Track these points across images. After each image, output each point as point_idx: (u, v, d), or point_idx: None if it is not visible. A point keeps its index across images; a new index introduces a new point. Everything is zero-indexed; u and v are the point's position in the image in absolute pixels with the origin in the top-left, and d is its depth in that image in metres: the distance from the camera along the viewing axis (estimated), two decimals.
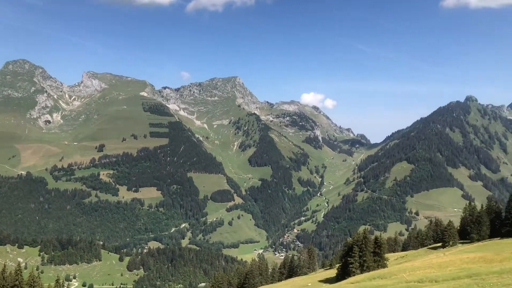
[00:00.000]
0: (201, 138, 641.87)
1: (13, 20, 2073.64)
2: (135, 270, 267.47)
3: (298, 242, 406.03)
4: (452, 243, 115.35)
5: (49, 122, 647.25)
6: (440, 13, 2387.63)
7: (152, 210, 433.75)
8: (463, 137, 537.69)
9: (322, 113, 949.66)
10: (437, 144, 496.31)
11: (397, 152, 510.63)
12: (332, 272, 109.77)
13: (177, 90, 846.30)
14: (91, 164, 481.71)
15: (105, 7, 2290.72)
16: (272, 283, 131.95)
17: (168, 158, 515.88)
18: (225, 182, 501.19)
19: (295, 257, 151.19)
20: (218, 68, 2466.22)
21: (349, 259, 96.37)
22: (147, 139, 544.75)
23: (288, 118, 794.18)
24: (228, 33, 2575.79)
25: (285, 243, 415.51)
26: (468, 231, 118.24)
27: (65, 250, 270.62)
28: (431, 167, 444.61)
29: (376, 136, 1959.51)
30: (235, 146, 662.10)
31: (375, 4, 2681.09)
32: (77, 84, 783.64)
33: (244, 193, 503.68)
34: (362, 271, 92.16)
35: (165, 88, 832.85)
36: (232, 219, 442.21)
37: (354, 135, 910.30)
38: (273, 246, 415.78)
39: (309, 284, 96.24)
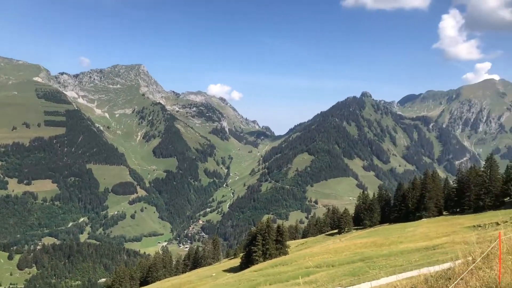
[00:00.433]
0: (102, 128, 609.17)
1: None
2: (26, 269, 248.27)
3: (203, 233, 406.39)
4: (348, 229, 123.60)
5: None
6: (341, 12, 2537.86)
7: (47, 204, 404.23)
8: (359, 130, 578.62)
9: (229, 104, 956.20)
10: (335, 136, 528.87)
11: (299, 144, 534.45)
12: (236, 261, 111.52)
13: (76, 76, 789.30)
14: None
15: None
16: (176, 275, 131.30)
17: (66, 149, 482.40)
18: (128, 174, 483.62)
19: (200, 248, 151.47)
20: (121, 55, 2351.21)
21: (252, 247, 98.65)
22: (41, 128, 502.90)
23: (195, 108, 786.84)
24: (131, 19, 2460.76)
25: (190, 234, 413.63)
26: (362, 217, 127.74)
27: None
28: (329, 158, 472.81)
29: (281, 128, 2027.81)
30: (139, 136, 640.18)
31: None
32: None
33: (148, 185, 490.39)
34: (265, 259, 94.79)
35: (62, 73, 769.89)
36: (135, 212, 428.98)
37: (259, 127, 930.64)
38: (178, 238, 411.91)
39: (213, 274, 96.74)
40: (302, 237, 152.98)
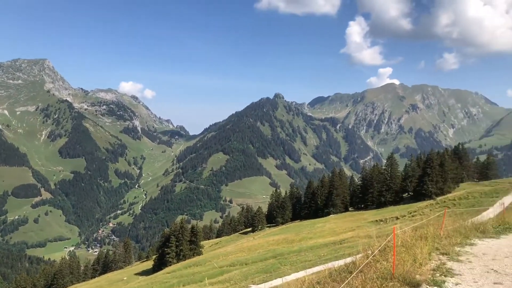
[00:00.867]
0: (0, 126, 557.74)
1: None
2: None
3: (113, 236, 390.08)
4: (261, 227, 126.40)
5: None
6: (254, 14, 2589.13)
7: None
8: (272, 131, 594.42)
9: (141, 103, 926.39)
10: (249, 136, 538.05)
11: (214, 143, 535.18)
12: (149, 264, 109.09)
13: None
14: None
15: None
16: (84, 280, 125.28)
17: None
18: (31, 175, 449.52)
19: (110, 252, 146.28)
20: (23, 48, 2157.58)
21: (166, 249, 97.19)
22: None
23: (105, 106, 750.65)
24: (35, 9, 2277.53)
25: (99, 238, 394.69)
26: (274, 215, 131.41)
27: None
28: (244, 157, 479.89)
29: (195, 128, 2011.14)
30: (43, 135, 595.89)
31: None
32: None
33: (53, 187, 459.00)
34: (178, 260, 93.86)
35: None
36: (39, 216, 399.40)
37: (173, 126, 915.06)
38: (86, 242, 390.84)
39: (125, 278, 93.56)
40: (217, 237, 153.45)
